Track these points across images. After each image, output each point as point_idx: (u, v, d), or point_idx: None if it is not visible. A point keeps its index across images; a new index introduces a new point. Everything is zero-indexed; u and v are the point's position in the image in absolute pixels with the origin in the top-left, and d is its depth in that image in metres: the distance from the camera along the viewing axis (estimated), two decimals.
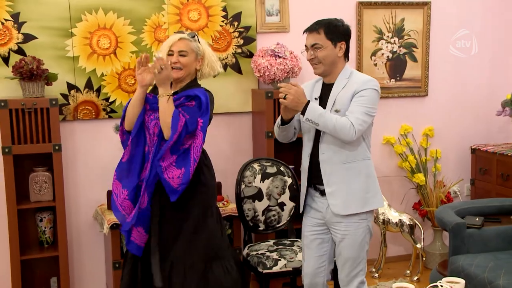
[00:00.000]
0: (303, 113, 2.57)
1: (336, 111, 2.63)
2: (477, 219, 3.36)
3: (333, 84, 2.72)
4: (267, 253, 3.19)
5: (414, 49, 4.24)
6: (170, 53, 2.78)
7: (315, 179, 2.73)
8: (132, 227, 2.76)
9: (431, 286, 2.28)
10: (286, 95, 2.55)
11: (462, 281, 2.35)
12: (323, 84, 2.77)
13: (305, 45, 2.70)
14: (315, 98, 2.73)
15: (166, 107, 2.67)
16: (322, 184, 2.69)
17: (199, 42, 2.85)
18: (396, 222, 3.96)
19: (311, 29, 2.67)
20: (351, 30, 2.73)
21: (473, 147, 4.31)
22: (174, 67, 2.76)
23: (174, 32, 3.01)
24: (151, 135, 2.78)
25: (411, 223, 3.99)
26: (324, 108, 2.64)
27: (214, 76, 3.01)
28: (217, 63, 2.93)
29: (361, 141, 2.68)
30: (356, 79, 2.68)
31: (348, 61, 2.74)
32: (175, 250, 2.78)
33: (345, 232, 2.68)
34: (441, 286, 2.26)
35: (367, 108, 2.61)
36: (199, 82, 2.91)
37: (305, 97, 2.58)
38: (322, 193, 2.70)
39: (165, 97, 2.68)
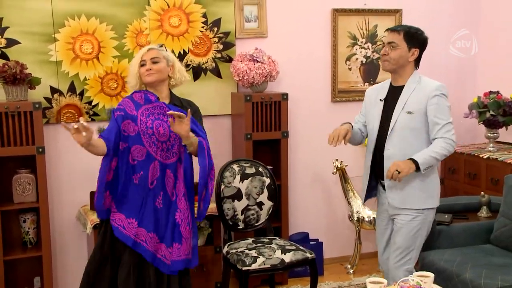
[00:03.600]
0: (418, 170, 2.72)
1: (409, 112, 2.79)
2: (446, 216, 3.42)
3: (402, 87, 2.86)
4: (246, 251, 3.20)
5: None
6: (142, 63, 2.78)
7: (379, 175, 2.89)
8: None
9: (402, 281, 2.30)
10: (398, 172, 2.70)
11: (431, 275, 2.39)
12: (391, 86, 2.91)
13: (382, 41, 3.03)
14: (380, 100, 2.91)
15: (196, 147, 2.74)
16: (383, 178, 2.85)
17: (166, 51, 2.89)
18: (370, 220, 4.01)
19: (393, 29, 2.85)
20: (427, 41, 2.86)
21: None
22: (148, 74, 2.77)
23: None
24: (152, 134, 2.72)
25: None
26: (393, 110, 2.82)
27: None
28: (184, 70, 2.96)
29: (425, 144, 2.81)
30: (425, 84, 2.83)
31: (418, 68, 2.87)
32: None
33: (402, 222, 2.86)
34: (412, 280, 2.29)
35: (446, 116, 2.77)
36: (172, 90, 2.92)
37: (407, 162, 2.71)
38: (385, 188, 2.87)
39: (195, 141, 2.71)
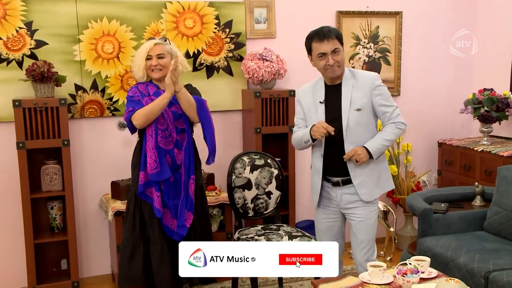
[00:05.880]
0: (372, 158, 2.70)
1: (358, 110, 2.70)
2: (443, 205, 3.46)
3: (338, 84, 2.74)
4: (256, 237, 3.24)
5: (388, 53, 4.34)
6: (148, 58, 2.91)
7: (326, 172, 2.81)
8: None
9: (401, 264, 2.35)
10: (357, 160, 2.70)
11: (428, 259, 2.44)
12: (327, 86, 2.78)
13: (321, 52, 2.67)
14: (320, 102, 2.76)
15: (189, 96, 2.89)
16: (334, 176, 2.79)
17: (170, 44, 2.98)
18: None
19: (329, 36, 2.66)
20: None
21: (439, 141, 4.39)
22: (155, 69, 2.92)
23: (147, 39, 3.10)
24: (152, 122, 2.88)
25: (385, 209, 4.07)
26: (339, 109, 2.70)
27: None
28: (185, 61, 3.06)
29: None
30: (362, 77, 2.74)
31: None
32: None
33: (361, 217, 2.80)
34: (410, 264, 2.34)
35: (391, 102, 2.75)
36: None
37: (362, 150, 2.68)
38: (335, 184, 2.80)
39: (183, 89, 2.88)
